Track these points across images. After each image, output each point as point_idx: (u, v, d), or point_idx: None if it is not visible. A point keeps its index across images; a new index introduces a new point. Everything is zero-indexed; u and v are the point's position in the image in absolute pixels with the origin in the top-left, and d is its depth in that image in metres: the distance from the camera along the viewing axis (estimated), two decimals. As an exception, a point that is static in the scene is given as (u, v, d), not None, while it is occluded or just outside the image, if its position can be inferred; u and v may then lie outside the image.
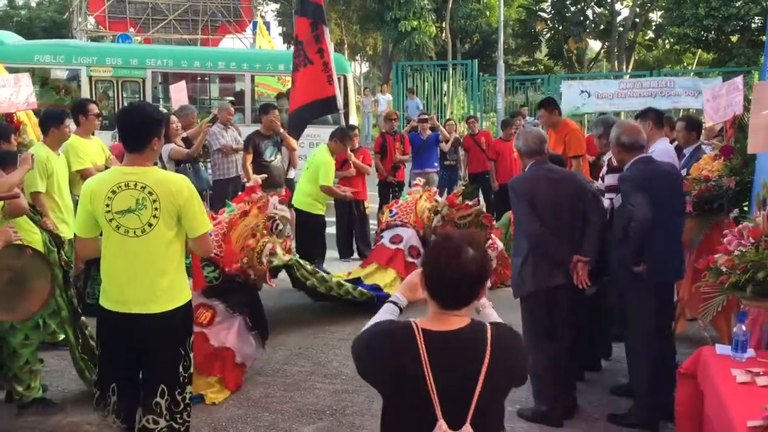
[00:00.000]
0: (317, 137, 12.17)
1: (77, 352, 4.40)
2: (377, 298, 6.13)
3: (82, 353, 4.41)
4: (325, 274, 6.10)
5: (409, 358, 2.03)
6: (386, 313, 2.34)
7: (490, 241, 7.48)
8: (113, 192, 3.20)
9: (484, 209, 7.72)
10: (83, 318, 4.48)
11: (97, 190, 3.24)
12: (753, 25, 24.05)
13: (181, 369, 3.43)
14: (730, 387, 2.87)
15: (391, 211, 7.27)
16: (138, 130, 3.29)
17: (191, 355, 3.51)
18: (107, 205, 3.19)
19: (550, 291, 4.33)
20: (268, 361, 5.27)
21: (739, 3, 23.29)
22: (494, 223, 7.77)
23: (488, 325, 2.14)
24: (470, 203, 7.37)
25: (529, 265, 4.32)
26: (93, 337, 4.34)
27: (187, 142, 7.94)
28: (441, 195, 10.77)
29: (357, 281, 6.54)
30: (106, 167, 5.68)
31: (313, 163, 7.34)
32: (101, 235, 3.32)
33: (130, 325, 3.29)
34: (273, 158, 7.85)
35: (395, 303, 2.38)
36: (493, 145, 10.36)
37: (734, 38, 25.37)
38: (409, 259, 6.83)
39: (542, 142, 4.45)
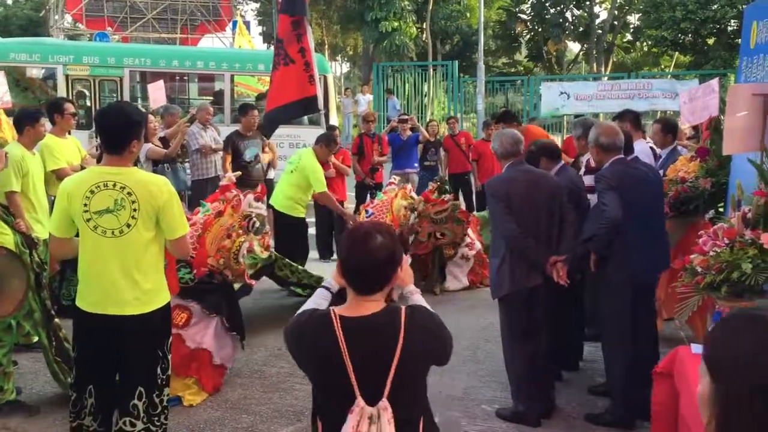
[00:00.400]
0: (297, 137, 12.16)
1: (51, 354, 4.35)
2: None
3: (55, 356, 4.35)
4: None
5: (329, 344, 2.15)
6: (318, 297, 2.47)
7: (468, 239, 7.51)
8: (91, 192, 3.17)
9: (463, 206, 7.74)
10: (57, 320, 4.42)
11: (75, 189, 3.20)
12: (729, 28, 24.38)
13: (159, 371, 3.42)
14: (705, 386, 2.88)
15: (367, 212, 7.22)
16: (118, 131, 3.26)
17: (169, 357, 3.49)
18: (85, 205, 3.16)
19: (528, 292, 4.34)
20: (246, 363, 5.24)
21: (715, 6, 23.60)
22: (474, 215, 7.78)
23: (403, 308, 2.24)
24: (446, 198, 7.38)
25: (506, 266, 4.33)
26: (67, 339, 4.29)
27: (165, 142, 7.89)
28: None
29: None
30: (82, 167, 5.62)
31: (298, 167, 6.97)
32: (77, 235, 3.29)
33: (107, 327, 3.26)
34: (252, 159, 7.82)
35: (327, 288, 2.51)
36: (474, 146, 10.39)
37: (711, 41, 25.70)
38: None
39: (517, 142, 4.46)
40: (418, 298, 2.46)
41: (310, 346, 2.22)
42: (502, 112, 8.45)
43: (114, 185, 3.18)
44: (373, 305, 2.23)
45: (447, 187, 7.69)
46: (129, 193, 3.18)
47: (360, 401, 2.13)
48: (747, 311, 1.27)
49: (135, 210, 3.18)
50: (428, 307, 2.37)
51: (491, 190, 4.42)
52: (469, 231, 7.65)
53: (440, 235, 7.28)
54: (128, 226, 3.19)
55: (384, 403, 2.13)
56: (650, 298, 4.56)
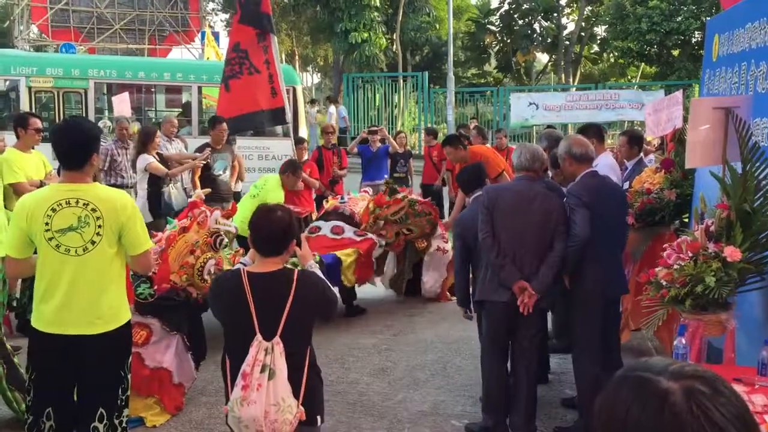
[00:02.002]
0: (267, 149, 12.09)
1: (3, 382, 4.20)
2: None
3: (9, 384, 4.21)
4: None
5: (238, 290, 2.89)
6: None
7: (440, 230, 7.44)
8: (53, 210, 3.09)
9: (418, 198, 7.66)
10: (9, 346, 4.29)
11: (35, 208, 3.12)
12: (693, 40, 24.84)
13: (119, 392, 3.34)
14: (670, 401, 2.87)
15: (342, 198, 7.35)
16: (77, 147, 3.20)
17: (129, 377, 3.42)
18: (46, 224, 3.08)
19: (503, 305, 4.20)
20: (211, 380, 5.12)
21: (679, 18, 24.04)
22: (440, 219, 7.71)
23: (296, 270, 3.04)
24: (399, 197, 7.30)
25: (481, 274, 4.33)
26: (20, 365, 4.16)
27: (161, 157, 7.81)
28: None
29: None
30: (42, 183, 5.49)
31: (260, 194, 6.99)
32: (35, 253, 3.20)
33: (67, 348, 3.17)
34: (222, 172, 7.76)
35: (243, 264, 3.17)
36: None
37: (676, 52, 26.15)
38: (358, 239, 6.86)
39: (534, 160, 4.28)
40: (314, 269, 3.20)
41: (225, 292, 2.98)
42: (447, 137, 8.31)
43: (77, 202, 3.12)
44: (274, 265, 2.96)
45: (395, 186, 7.56)
46: (93, 210, 3.12)
47: (259, 336, 2.82)
48: (634, 373, 1.14)
49: (100, 227, 3.13)
50: (320, 274, 3.15)
51: (481, 199, 4.37)
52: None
53: (407, 231, 7.21)
54: (93, 243, 3.13)
55: (277, 339, 2.82)
56: (618, 309, 4.59)
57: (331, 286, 3.15)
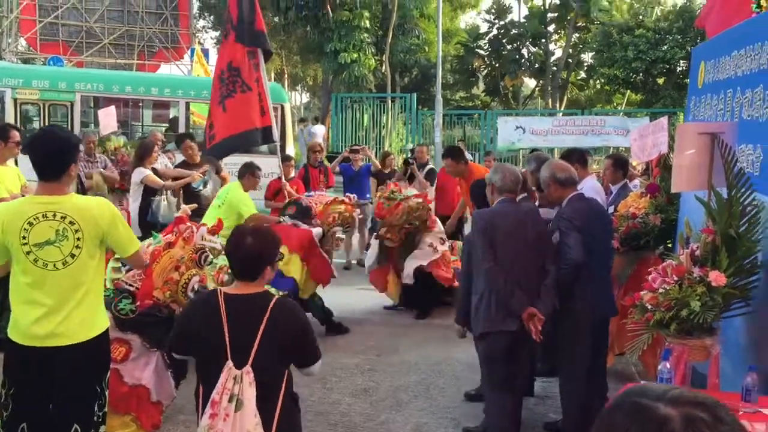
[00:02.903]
0: (253, 166, 12.01)
1: None
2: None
3: None
4: None
5: (213, 313, 2.80)
6: None
7: (439, 228, 7.53)
8: (30, 224, 3.04)
9: (411, 191, 7.70)
10: None
11: (11, 222, 3.06)
12: (678, 69, 25.17)
13: (96, 408, 3.28)
14: (654, 426, 2.85)
15: (308, 193, 7.40)
16: (55, 157, 3.15)
17: (107, 393, 3.35)
18: (23, 238, 3.03)
19: (509, 335, 4.06)
20: (190, 399, 4.95)
21: (665, 47, 24.38)
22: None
23: (276, 296, 2.91)
24: (397, 200, 7.34)
25: (484, 304, 4.11)
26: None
27: (155, 171, 7.79)
28: (377, 229, 10.72)
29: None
30: (22, 196, 5.41)
31: (226, 201, 7.03)
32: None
33: (44, 361, 3.12)
34: (202, 187, 7.80)
35: None
36: (437, 178, 10.34)
37: (661, 80, 26.48)
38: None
39: (518, 182, 4.26)
40: None
41: (200, 311, 2.90)
42: (449, 147, 8.39)
43: (54, 215, 3.07)
44: (253, 288, 2.88)
45: (392, 194, 7.56)
46: (71, 222, 3.07)
47: (230, 362, 2.72)
48: (630, 398, 1.10)
49: (79, 239, 3.08)
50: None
51: (475, 222, 4.23)
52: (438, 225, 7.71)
53: (408, 225, 7.36)
54: (72, 256, 3.08)
55: (247, 368, 2.71)
56: (606, 331, 4.58)
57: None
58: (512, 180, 4.23)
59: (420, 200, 7.42)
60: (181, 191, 7.69)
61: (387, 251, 7.60)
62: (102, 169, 8.24)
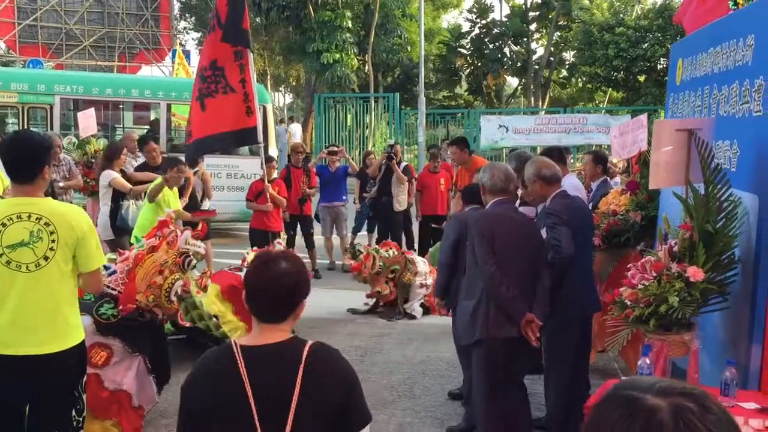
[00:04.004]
0: (236, 167, 11.98)
1: None
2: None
3: None
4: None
5: (229, 373, 2.05)
6: None
7: (425, 267, 7.57)
8: (3, 225, 3.00)
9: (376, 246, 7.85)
10: None
11: None
12: (659, 66, 25.35)
13: (74, 413, 3.23)
14: (635, 421, 2.87)
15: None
16: (27, 160, 3.12)
17: (84, 397, 3.31)
18: None
19: (506, 342, 3.95)
20: (172, 402, 5.00)
21: (645, 45, 24.54)
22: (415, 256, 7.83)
23: (309, 342, 2.15)
24: (364, 254, 7.51)
25: (482, 309, 3.98)
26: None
27: (123, 174, 7.75)
28: (361, 228, 10.74)
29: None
30: (2, 197, 5.35)
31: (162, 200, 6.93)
32: None
33: (18, 369, 3.06)
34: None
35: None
36: (419, 177, 10.38)
37: (642, 78, 26.66)
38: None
39: (509, 180, 4.17)
40: None
41: (210, 381, 2.08)
42: (458, 137, 8.71)
43: (29, 216, 3.03)
44: (279, 334, 2.13)
45: (356, 249, 7.73)
46: (47, 224, 3.03)
47: None
48: (619, 391, 1.11)
49: (54, 242, 3.04)
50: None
51: (475, 226, 4.08)
52: (426, 259, 7.80)
53: (391, 273, 7.50)
54: (46, 258, 3.03)
55: None
56: (590, 328, 4.60)
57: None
58: (501, 179, 4.15)
59: (390, 248, 7.56)
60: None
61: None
62: (67, 174, 8.18)
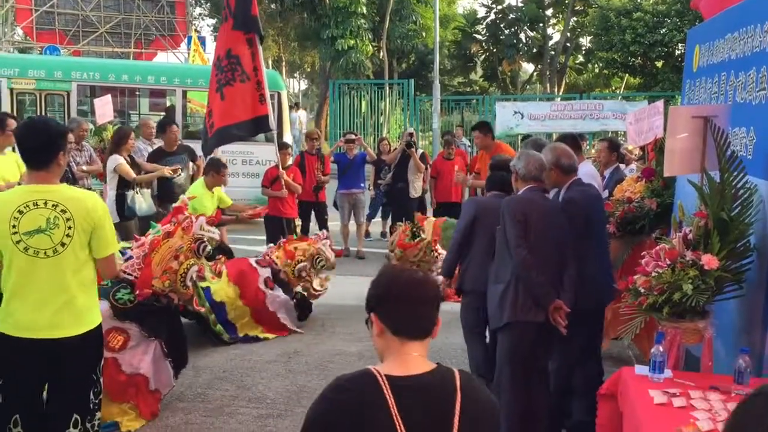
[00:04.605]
0: (250, 154, 12.02)
1: None
2: (229, 337, 6.07)
3: None
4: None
5: (377, 411, 1.76)
6: None
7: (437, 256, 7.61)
8: (20, 212, 3.03)
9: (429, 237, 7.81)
10: None
11: (1, 211, 3.06)
12: (677, 52, 25.07)
13: (91, 395, 3.28)
14: (647, 408, 2.88)
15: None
16: (44, 146, 3.14)
17: (101, 380, 3.36)
18: (13, 226, 3.02)
19: (536, 327, 3.95)
20: (189, 386, 5.08)
21: (663, 30, 24.28)
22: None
23: (454, 369, 1.92)
24: (419, 239, 7.52)
25: (510, 293, 3.98)
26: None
27: (132, 161, 7.80)
28: (375, 215, 10.77)
29: (206, 291, 6.01)
30: (20, 184, 5.42)
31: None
32: None
33: (38, 352, 3.11)
34: (177, 175, 7.87)
35: None
36: (433, 164, 10.38)
37: (659, 64, 26.39)
38: (261, 287, 6.42)
39: (542, 169, 4.17)
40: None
41: (351, 415, 1.77)
42: (481, 121, 8.71)
43: (45, 203, 3.06)
44: (423, 362, 1.87)
45: (417, 230, 7.71)
46: (63, 211, 3.07)
47: None
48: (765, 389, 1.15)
49: (70, 228, 3.07)
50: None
51: (509, 210, 4.05)
52: (438, 247, 7.76)
53: (416, 267, 7.49)
54: (63, 245, 3.07)
55: None
56: (602, 316, 4.60)
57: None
58: (536, 167, 4.15)
59: (438, 253, 7.57)
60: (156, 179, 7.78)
61: None
62: (88, 159, 8.24)
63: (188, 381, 5.13)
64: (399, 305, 1.89)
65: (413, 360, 1.86)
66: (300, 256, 6.76)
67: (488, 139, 7.74)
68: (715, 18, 4.58)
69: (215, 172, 7.10)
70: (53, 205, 3.07)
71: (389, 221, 10.40)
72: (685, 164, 3.52)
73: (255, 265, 6.47)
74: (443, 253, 7.62)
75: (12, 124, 5.96)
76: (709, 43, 4.51)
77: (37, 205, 3.06)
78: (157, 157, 7.95)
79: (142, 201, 7.48)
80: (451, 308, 7.19)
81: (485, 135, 7.72)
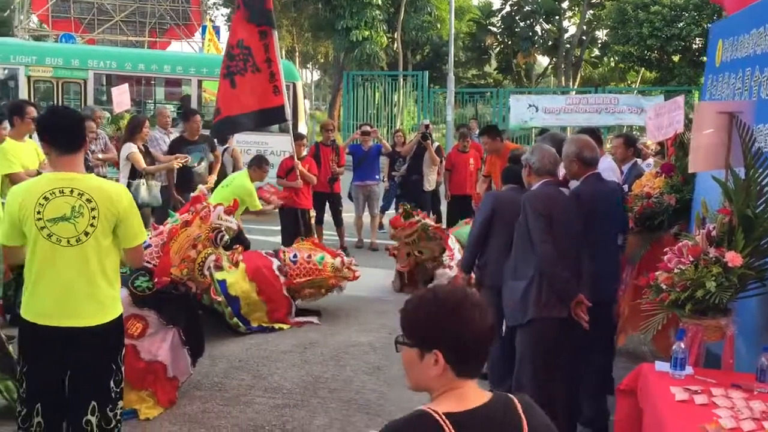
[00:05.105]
0: (264, 144, 12.05)
1: None
2: (245, 328, 6.11)
3: (3, 372, 4.17)
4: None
5: None
6: None
7: (447, 252, 7.55)
8: (45, 198, 3.04)
9: (432, 222, 7.78)
10: (3, 335, 4.26)
11: (27, 197, 3.07)
12: (694, 46, 24.89)
13: (112, 384, 3.29)
14: (668, 405, 2.87)
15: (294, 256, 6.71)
16: (71, 130, 3.18)
17: (123, 369, 3.38)
18: (38, 212, 3.03)
19: (559, 323, 3.92)
20: (206, 375, 5.11)
21: (681, 24, 24.08)
22: (447, 232, 7.83)
23: (512, 396, 1.79)
24: (414, 220, 7.48)
25: (534, 289, 3.94)
26: (13, 353, 4.12)
27: (146, 149, 7.83)
28: (389, 207, 10.79)
29: (221, 284, 6.02)
30: (39, 172, 5.45)
31: (231, 186, 7.16)
32: None
33: (58, 340, 3.12)
34: (197, 164, 7.91)
35: None
36: (448, 156, 10.36)
37: (676, 58, 26.19)
38: (286, 295, 6.47)
39: (557, 163, 4.16)
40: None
41: None
42: (488, 126, 8.69)
43: (71, 191, 3.07)
44: (478, 392, 1.74)
45: (411, 210, 7.77)
46: (88, 200, 3.07)
47: None
48: None
49: (94, 217, 3.08)
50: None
51: (532, 205, 3.98)
52: (450, 242, 7.70)
53: (418, 253, 7.58)
54: (86, 234, 3.08)
55: None
56: (609, 315, 4.56)
57: None
58: (551, 161, 4.12)
59: (440, 236, 7.57)
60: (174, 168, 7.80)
61: (404, 277, 7.90)
62: (103, 148, 8.28)
63: (205, 370, 5.16)
64: (472, 343, 1.70)
65: (470, 392, 1.72)
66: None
67: (497, 143, 7.69)
68: (741, 12, 4.53)
69: (257, 167, 7.30)
70: (79, 194, 3.07)
71: (403, 214, 10.39)
72: (709, 160, 3.49)
73: (277, 272, 6.46)
74: (455, 250, 7.63)
75: (32, 111, 5.98)
76: (733, 37, 4.45)
77: (63, 192, 3.06)
78: (178, 145, 7.96)
79: (145, 191, 7.45)
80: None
81: (493, 139, 7.67)
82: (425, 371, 1.73)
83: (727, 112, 3.40)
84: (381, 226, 10.68)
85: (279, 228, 8.71)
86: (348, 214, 10.06)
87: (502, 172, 5.50)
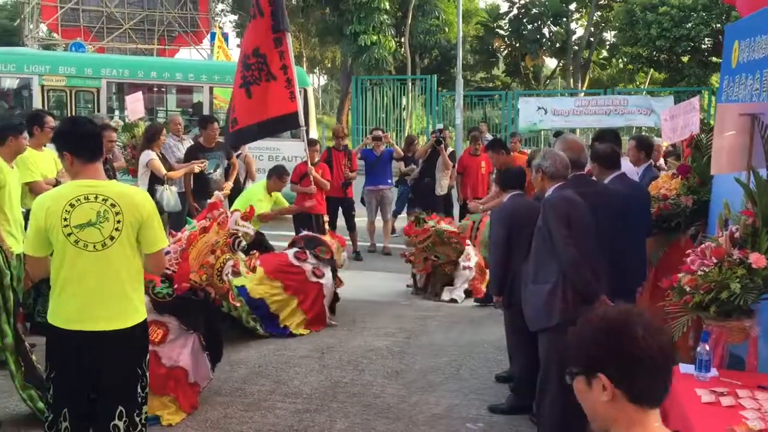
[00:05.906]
0: (277, 150, 12.08)
1: (19, 381, 4.19)
2: (264, 331, 6.14)
3: (26, 382, 4.21)
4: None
5: None
6: None
7: (464, 255, 7.60)
8: (71, 205, 3.09)
9: (447, 226, 7.78)
10: (27, 343, 4.30)
11: (53, 204, 3.12)
12: (703, 47, 24.80)
13: (138, 389, 3.32)
14: (695, 407, 2.87)
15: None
16: (94, 139, 3.24)
17: (147, 374, 3.41)
18: (65, 219, 3.07)
19: None
20: (226, 380, 5.13)
21: (690, 24, 24.00)
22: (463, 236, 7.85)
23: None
24: (427, 226, 7.55)
25: (559, 292, 3.94)
26: (38, 363, 4.16)
27: (163, 157, 7.89)
28: (401, 211, 10.81)
29: (241, 290, 6.08)
30: (58, 181, 5.50)
31: (246, 195, 7.31)
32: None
33: (86, 345, 3.15)
34: (213, 171, 7.94)
35: None
36: (459, 160, 10.37)
37: (685, 59, 26.10)
38: (313, 279, 6.55)
39: (567, 167, 4.18)
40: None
41: None
42: (491, 141, 8.68)
43: (96, 197, 3.12)
44: (661, 429, 1.61)
45: (422, 217, 7.84)
46: (113, 205, 3.12)
47: None
48: None
49: (119, 222, 3.12)
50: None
51: (553, 208, 4.00)
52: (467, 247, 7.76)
53: (435, 258, 7.64)
54: (111, 239, 3.12)
55: None
56: None
57: None
58: (564, 165, 4.16)
59: (456, 240, 7.62)
60: (191, 175, 7.85)
61: (416, 280, 7.97)
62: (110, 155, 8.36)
63: (225, 376, 5.18)
64: (635, 360, 1.56)
65: (653, 425, 1.59)
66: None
67: (503, 156, 7.75)
68: (757, 14, 4.53)
69: (277, 177, 7.35)
70: (103, 199, 3.12)
71: (415, 218, 10.41)
72: (732, 162, 3.50)
73: (295, 261, 6.54)
74: (470, 252, 7.64)
75: (50, 121, 6.03)
76: (750, 39, 4.46)
77: (88, 199, 3.11)
78: (194, 152, 7.99)
79: (170, 197, 7.57)
80: (477, 305, 7.23)
81: (498, 153, 7.75)
82: (597, 401, 1.61)
83: (748, 114, 3.40)
84: (394, 231, 10.70)
85: (293, 234, 8.73)
86: (360, 219, 10.09)
87: (501, 178, 5.52)
